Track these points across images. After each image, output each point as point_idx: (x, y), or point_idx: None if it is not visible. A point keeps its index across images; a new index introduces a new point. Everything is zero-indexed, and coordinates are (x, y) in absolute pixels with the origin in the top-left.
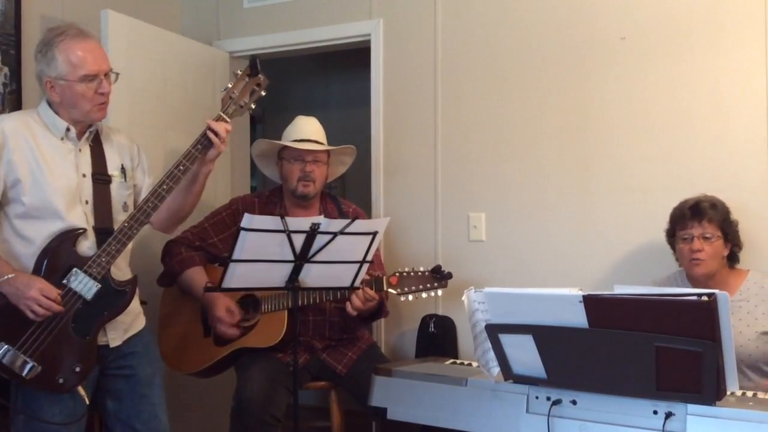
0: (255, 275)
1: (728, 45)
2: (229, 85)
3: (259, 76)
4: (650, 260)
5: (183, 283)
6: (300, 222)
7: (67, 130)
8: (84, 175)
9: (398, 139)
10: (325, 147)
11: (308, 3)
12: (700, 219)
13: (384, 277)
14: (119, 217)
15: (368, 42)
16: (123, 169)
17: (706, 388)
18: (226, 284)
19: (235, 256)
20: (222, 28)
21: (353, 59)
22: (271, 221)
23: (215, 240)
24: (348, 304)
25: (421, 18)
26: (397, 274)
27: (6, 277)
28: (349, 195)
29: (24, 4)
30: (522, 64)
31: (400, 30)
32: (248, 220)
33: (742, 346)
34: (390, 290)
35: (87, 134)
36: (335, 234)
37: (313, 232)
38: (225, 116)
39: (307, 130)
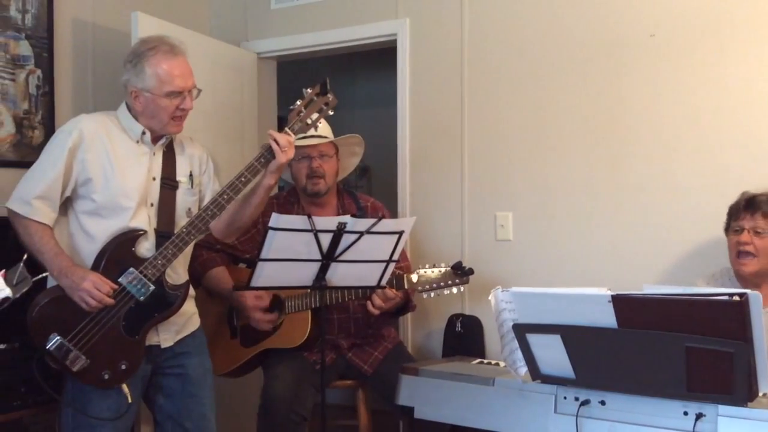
0: (282, 274)
1: (760, 40)
2: (298, 103)
3: (329, 95)
4: (680, 259)
5: (207, 284)
6: (327, 221)
7: (143, 133)
8: (154, 179)
9: (425, 138)
10: (327, 139)
11: (335, 3)
12: (753, 211)
13: (405, 275)
14: (182, 222)
15: (394, 41)
16: (191, 176)
17: (737, 389)
18: (254, 283)
19: (263, 256)
20: (250, 29)
21: (380, 59)
22: (299, 220)
23: (236, 242)
24: (369, 303)
25: (447, 16)
26: (418, 271)
27: (76, 272)
28: (375, 194)
29: (56, 7)
30: (550, 62)
31: (426, 29)
32: (276, 219)
33: None
34: (411, 287)
35: (163, 140)
36: (361, 233)
37: (339, 232)
38: (290, 132)
39: None
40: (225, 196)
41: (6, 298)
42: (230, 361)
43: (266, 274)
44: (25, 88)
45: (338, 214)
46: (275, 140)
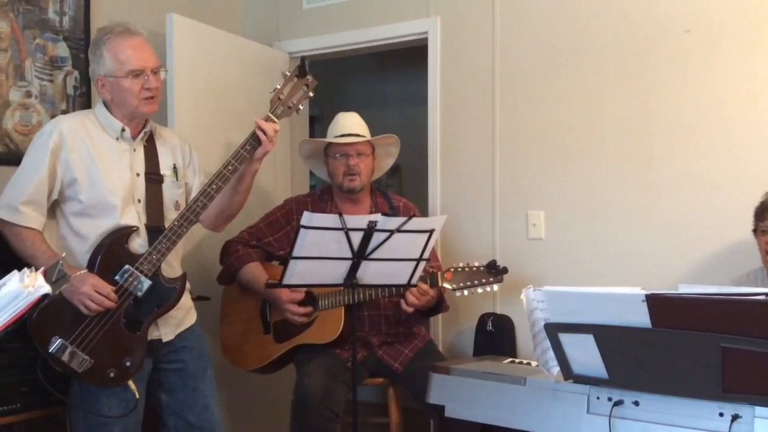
0: (314, 272)
1: None
2: (278, 86)
3: (308, 77)
4: (715, 259)
5: (242, 279)
6: (357, 220)
7: (122, 130)
8: (137, 174)
9: (456, 137)
10: (365, 138)
11: (366, 3)
12: None
13: (439, 273)
14: (170, 216)
15: (425, 40)
16: (175, 169)
17: None
18: (286, 281)
19: (295, 254)
20: (282, 29)
21: (410, 57)
22: (330, 219)
23: (270, 239)
24: (402, 301)
25: (478, 14)
26: (452, 269)
27: (75, 275)
28: (406, 193)
29: (93, 9)
30: (582, 59)
31: (457, 27)
32: (308, 217)
33: None
34: (445, 285)
35: (142, 134)
36: (392, 232)
37: (370, 230)
38: (273, 117)
39: (347, 124)
40: (214, 186)
41: (45, 295)
42: (262, 357)
43: (298, 272)
44: (63, 88)
45: (371, 213)
46: (262, 130)
